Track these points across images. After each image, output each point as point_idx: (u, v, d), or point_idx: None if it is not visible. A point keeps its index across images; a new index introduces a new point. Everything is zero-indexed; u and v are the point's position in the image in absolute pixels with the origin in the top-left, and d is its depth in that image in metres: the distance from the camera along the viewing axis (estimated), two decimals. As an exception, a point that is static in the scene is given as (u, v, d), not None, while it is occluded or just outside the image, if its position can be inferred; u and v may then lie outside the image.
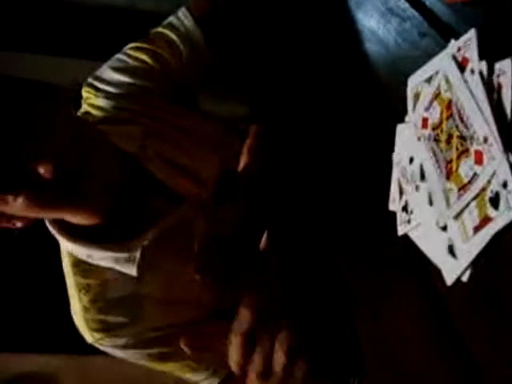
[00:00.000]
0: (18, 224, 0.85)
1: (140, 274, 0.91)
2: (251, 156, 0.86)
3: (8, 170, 0.73)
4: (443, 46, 0.60)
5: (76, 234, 0.89)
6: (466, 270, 0.53)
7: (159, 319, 0.94)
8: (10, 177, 0.74)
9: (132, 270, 0.90)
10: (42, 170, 0.74)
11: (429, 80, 0.60)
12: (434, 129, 0.59)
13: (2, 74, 0.82)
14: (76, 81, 1.04)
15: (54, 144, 0.77)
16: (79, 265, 0.93)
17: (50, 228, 0.90)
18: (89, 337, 0.93)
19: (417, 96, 0.62)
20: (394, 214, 0.64)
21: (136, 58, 0.97)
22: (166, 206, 0.93)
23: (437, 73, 0.59)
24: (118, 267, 0.91)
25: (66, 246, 0.92)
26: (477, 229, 0.52)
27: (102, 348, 0.94)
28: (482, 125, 0.51)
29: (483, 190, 0.51)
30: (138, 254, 0.89)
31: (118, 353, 0.95)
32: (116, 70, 0.97)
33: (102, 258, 0.90)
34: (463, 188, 0.54)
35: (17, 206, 0.76)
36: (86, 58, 1.32)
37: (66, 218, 0.86)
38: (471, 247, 0.52)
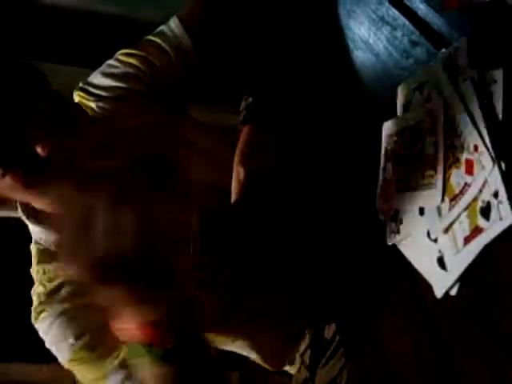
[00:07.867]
0: None
1: None
2: (243, 166, 0.84)
3: (2, 146, 0.72)
4: (434, 55, 0.59)
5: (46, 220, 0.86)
6: (455, 283, 0.51)
7: None
8: (2, 153, 0.73)
9: None
10: (39, 149, 0.72)
11: (419, 88, 0.59)
12: (424, 138, 0.58)
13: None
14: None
15: (56, 122, 0.75)
16: None
17: (21, 213, 0.87)
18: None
19: (407, 104, 0.61)
20: (383, 223, 0.62)
21: (126, 63, 0.99)
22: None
23: (427, 81, 0.58)
24: None
25: (38, 235, 0.88)
26: (467, 240, 0.50)
27: (39, 323, 0.86)
28: (472, 133, 0.50)
29: (474, 200, 0.50)
30: None
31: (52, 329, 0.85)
32: (107, 75, 0.99)
33: None
34: (454, 199, 0.52)
35: (3, 184, 0.74)
36: (85, 66, 1.31)
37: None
38: (461, 259, 0.51)
